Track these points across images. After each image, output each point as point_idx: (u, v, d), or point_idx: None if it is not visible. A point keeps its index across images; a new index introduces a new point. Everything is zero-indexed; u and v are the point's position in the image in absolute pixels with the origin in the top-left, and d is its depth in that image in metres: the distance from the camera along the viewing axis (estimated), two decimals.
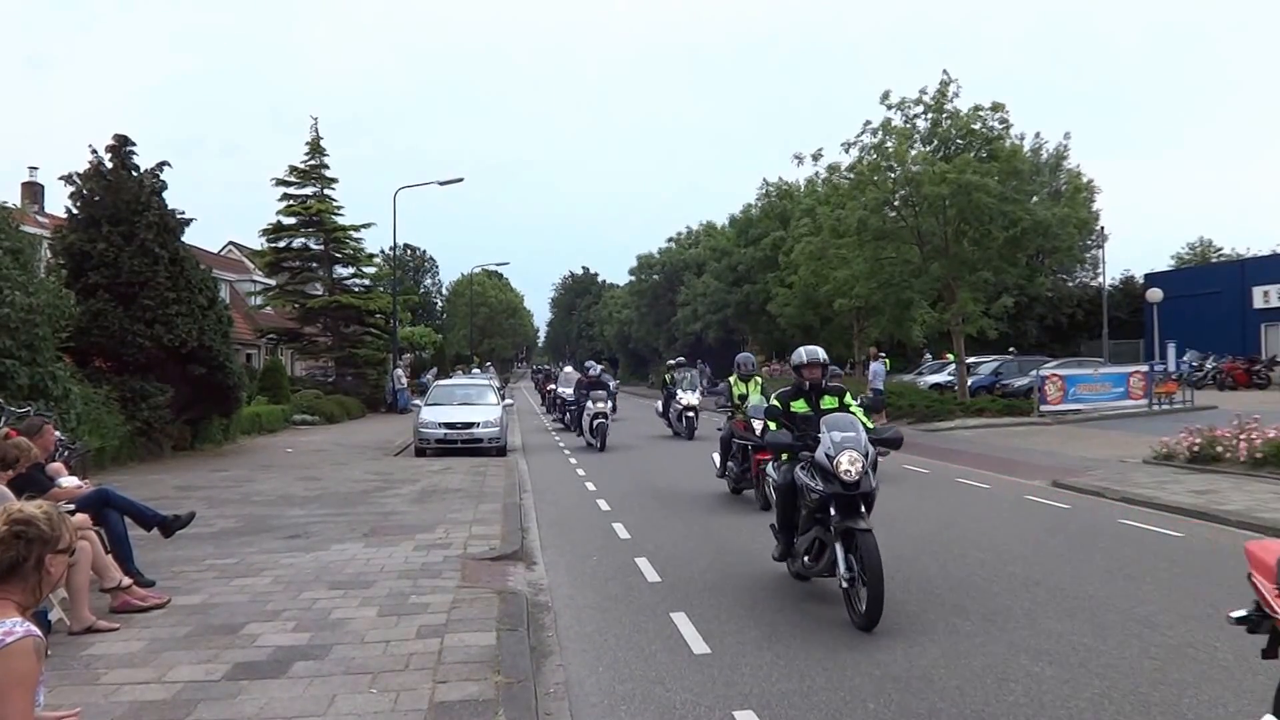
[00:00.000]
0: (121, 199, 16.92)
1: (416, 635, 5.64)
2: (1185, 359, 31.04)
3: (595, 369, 23.31)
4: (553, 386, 30.49)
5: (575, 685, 5.05)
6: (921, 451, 16.61)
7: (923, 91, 24.92)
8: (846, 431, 6.23)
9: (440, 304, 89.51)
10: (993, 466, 14.95)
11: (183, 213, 18.23)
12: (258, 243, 37.44)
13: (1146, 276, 43.60)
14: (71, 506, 6.20)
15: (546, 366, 55.13)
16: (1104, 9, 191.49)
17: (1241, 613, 3.32)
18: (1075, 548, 8.46)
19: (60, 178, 17.29)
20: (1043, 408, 23.74)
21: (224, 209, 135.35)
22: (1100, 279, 44.41)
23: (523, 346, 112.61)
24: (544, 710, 4.63)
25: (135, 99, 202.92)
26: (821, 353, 7.42)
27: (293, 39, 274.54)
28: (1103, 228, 37.44)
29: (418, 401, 21.21)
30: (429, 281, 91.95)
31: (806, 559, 6.69)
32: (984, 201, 22.69)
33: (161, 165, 18.03)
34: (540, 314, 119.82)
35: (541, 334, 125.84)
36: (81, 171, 17.28)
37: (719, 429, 12.88)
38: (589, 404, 19.60)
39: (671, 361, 25.49)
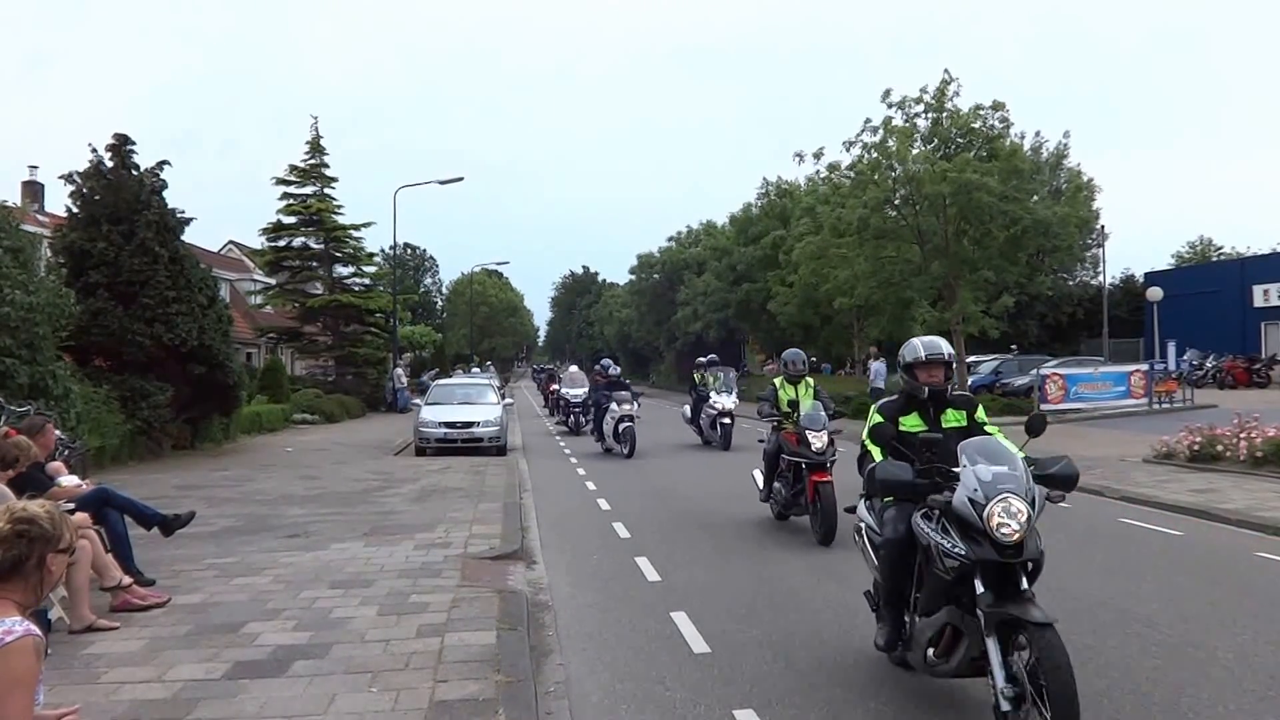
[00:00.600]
0: (121, 198, 16.93)
1: (416, 634, 5.64)
2: (1185, 358, 31.05)
3: (614, 368, 21.61)
4: (556, 387, 29.16)
5: (575, 684, 5.05)
6: None
7: (923, 90, 24.96)
8: (999, 465, 4.13)
9: (440, 303, 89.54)
10: None
11: (183, 212, 18.29)
12: (258, 242, 37.45)
13: (1147, 275, 43.56)
14: (71, 506, 6.19)
15: (549, 366, 53.08)
16: (1105, 9, 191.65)
17: None
18: (1075, 546, 8.43)
19: (60, 177, 17.36)
20: (1043, 406, 23.67)
21: (224, 208, 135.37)
22: (1100, 278, 44.33)
23: (523, 346, 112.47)
24: (544, 709, 4.63)
25: (135, 98, 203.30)
26: (945, 345, 5.16)
27: (293, 38, 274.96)
28: (1103, 226, 37.40)
29: (418, 401, 21.17)
30: (429, 281, 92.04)
31: (932, 652, 4.46)
32: (984, 200, 22.68)
33: (162, 164, 18.07)
34: (540, 313, 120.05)
35: (541, 333, 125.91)
36: (81, 170, 17.31)
37: (761, 440, 11.04)
38: (613, 405, 18.16)
39: (702, 360, 22.22)
